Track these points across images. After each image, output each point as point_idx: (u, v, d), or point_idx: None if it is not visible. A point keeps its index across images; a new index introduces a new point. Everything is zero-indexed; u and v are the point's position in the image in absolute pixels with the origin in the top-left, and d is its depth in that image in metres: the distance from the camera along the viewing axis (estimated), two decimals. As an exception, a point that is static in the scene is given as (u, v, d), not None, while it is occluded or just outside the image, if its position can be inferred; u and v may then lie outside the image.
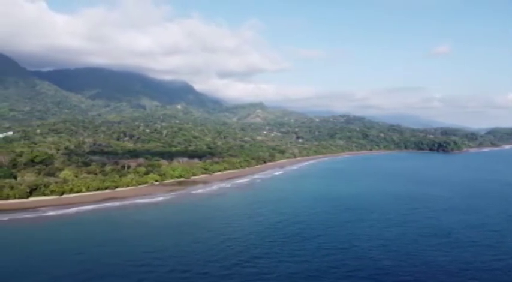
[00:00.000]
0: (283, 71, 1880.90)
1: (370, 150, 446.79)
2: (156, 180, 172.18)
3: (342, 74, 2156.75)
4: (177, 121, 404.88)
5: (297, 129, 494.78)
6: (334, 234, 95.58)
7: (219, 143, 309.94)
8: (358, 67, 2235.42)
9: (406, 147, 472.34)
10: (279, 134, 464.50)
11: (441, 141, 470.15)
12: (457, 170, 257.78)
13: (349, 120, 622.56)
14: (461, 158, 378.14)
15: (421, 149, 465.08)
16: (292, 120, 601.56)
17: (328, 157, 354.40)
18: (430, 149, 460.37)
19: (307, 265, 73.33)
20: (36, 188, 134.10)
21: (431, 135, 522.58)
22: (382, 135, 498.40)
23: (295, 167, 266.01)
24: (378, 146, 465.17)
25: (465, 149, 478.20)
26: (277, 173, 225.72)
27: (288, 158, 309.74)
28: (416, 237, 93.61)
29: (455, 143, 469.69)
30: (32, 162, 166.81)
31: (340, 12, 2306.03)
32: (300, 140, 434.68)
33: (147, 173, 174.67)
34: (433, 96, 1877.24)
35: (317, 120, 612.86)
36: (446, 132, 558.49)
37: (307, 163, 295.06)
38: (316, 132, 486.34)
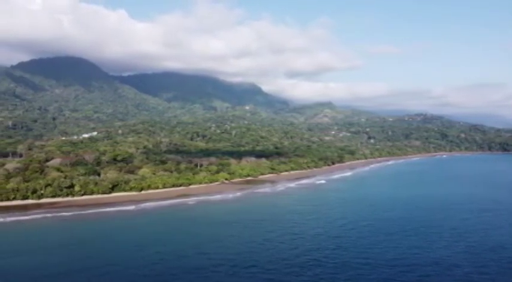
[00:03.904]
0: (353, 69, 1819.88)
1: (450, 151, 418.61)
2: (226, 179, 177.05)
3: (418, 70, 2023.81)
4: (245, 122, 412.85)
5: (368, 129, 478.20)
6: (405, 238, 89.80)
7: (286, 143, 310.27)
8: (435, 62, 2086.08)
9: (489, 149, 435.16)
10: (348, 134, 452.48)
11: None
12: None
13: (426, 119, 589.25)
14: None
15: (506, 150, 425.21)
16: (362, 120, 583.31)
17: (403, 159, 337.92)
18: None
19: (375, 270, 70.16)
20: (117, 185, 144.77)
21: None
22: (463, 135, 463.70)
23: (366, 168, 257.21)
24: (458, 147, 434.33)
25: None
26: (346, 175, 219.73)
27: (358, 159, 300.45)
28: (499, 244, 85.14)
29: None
30: (114, 160, 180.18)
31: (415, 5, 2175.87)
32: (372, 141, 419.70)
33: (217, 172, 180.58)
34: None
35: (390, 119, 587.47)
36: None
37: (379, 165, 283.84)
38: (390, 132, 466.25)
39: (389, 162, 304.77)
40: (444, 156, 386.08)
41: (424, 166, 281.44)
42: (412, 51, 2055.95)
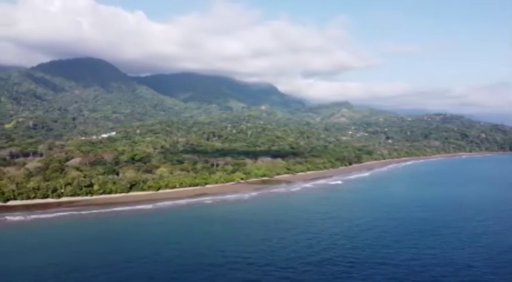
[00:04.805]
0: (372, 68, 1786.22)
1: (470, 151, 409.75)
2: (242, 178, 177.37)
3: (438, 69, 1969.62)
4: (261, 122, 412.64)
5: (386, 129, 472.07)
6: (422, 238, 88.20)
7: (302, 143, 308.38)
8: (456, 61, 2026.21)
9: (511, 149, 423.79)
10: (366, 134, 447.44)
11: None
12: None
13: (445, 119, 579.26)
14: None
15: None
16: (381, 120, 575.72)
17: (422, 159, 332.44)
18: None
19: (391, 270, 69.23)
20: (135, 184, 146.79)
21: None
22: (483, 135, 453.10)
23: (384, 169, 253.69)
24: (478, 147, 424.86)
25: None
26: (363, 175, 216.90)
27: (376, 159, 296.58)
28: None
29: None
30: (132, 160, 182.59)
31: (435, 3, 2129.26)
32: (390, 141, 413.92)
33: (233, 172, 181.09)
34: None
35: (409, 119, 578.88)
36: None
37: (397, 165, 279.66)
38: (409, 132, 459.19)
39: (408, 163, 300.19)
40: (464, 156, 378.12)
41: (443, 167, 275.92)
42: (432, 50, 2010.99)
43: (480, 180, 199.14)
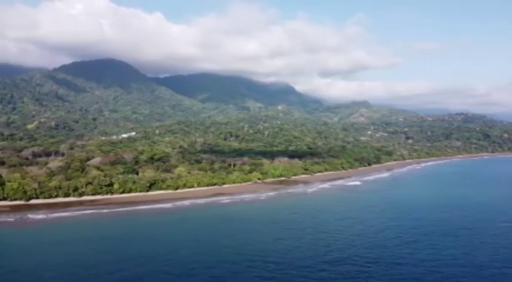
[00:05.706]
0: (391, 67, 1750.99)
1: (492, 152, 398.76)
2: (259, 178, 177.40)
3: (460, 68, 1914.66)
4: (278, 122, 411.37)
5: (406, 129, 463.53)
6: (442, 241, 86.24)
7: (320, 143, 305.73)
8: (479, 59, 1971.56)
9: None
10: (385, 134, 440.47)
11: None
12: None
13: (467, 118, 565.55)
14: None
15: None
16: (400, 119, 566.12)
17: (443, 160, 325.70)
18: None
19: (409, 269, 68.38)
20: (154, 183, 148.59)
21: None
22: (506, 135, 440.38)
23: (403, 169, 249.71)
24: (501, 147, 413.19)
25: None
26: (382, 176, 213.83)
27: (395, 160, 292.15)
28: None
29: None
30: (151, 159, 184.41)
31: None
32: (410, 141, 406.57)
33: (250, 172, 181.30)
34: None
35: (430, 119, 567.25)
36: None
37: (417, 166, 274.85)
38: (429, 133, 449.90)
39: (429, 163, 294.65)
40: (486, 157, 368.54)
41: (464, 168, 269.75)
42: (451, 48, 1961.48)
43: (502, 181, 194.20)
